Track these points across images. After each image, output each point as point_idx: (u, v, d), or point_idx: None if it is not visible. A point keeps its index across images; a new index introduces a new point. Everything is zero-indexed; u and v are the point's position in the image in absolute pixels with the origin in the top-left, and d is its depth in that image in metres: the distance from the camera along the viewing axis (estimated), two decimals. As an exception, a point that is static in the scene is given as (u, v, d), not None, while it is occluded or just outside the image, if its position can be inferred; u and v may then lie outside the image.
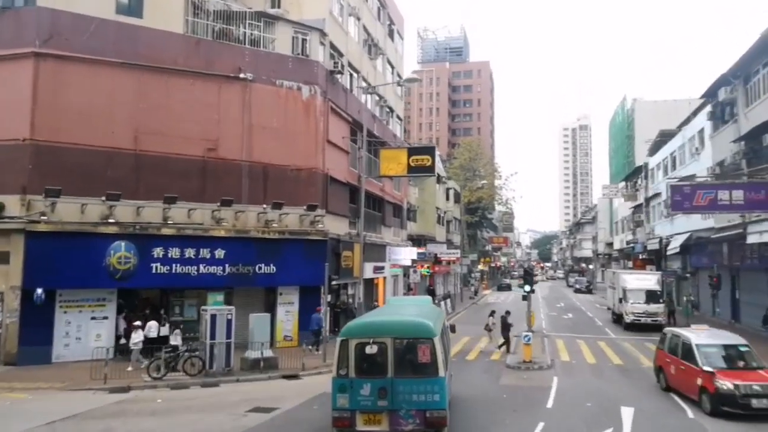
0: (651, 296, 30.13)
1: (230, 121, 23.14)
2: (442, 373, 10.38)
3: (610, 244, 74.83)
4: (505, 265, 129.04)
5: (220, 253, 22.11)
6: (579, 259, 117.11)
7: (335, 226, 26.76)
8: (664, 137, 46.72)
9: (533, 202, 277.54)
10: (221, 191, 22.36)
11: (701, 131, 33.76)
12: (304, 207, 24.21)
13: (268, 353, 18.80)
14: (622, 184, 57.10)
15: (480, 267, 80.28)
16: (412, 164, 27.12)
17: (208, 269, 21.93)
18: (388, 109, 38.46)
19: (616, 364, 21.27)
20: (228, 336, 17.92)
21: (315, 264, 22.16)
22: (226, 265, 22.19)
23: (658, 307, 29.70)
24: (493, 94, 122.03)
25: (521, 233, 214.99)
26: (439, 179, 49.70)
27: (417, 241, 43.87)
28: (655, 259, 47.04)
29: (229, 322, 17.95)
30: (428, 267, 43.21)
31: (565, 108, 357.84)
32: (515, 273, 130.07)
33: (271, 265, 23.14)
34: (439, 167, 49.33)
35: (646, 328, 29.06)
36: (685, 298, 33.70)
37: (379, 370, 10.36)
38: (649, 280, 31.19)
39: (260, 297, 23.89)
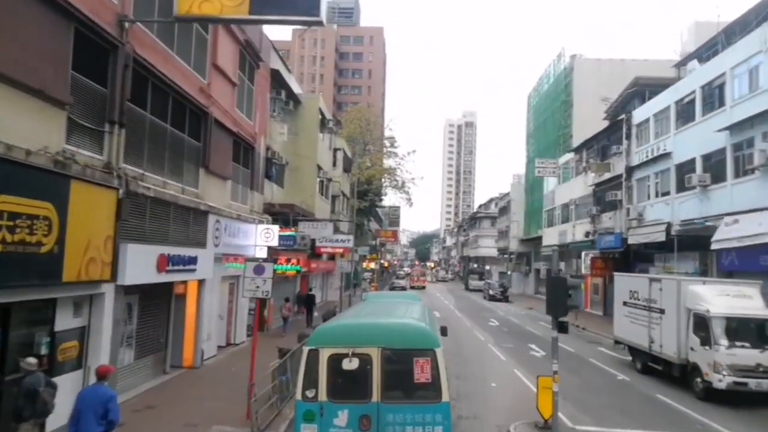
0: (763, 332, 14.52)
1: None
2: (446, 396, 7.65)
3: (530, 240, 61.23)
4: (391, 263, 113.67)
5: None
6: (470, 258, 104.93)
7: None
8: (645, 86, 32.53)
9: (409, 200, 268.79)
10: None
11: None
12: None
13: None
14: (568, 156, 42.62)
15: (369, 265, 63.26)
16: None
17: None
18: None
19: None
20: None
21: None
22: None
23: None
24: (385, 67, 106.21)
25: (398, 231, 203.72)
26: (324, 123, 31.69)
27: (280, 216, 25.56)
28: (621, 256, 32.70)
29: None
30: (297, 262, 25.01)
31: (452, 105, 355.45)
32: (401, 272, 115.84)
33: None
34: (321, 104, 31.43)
35: (759, 401, 13.63)
36: None
37: (361, 391, 7.68)
38: (751, 298, 15.35)
39: None
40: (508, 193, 68.26)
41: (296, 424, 7.84)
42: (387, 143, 64.54)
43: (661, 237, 26.24)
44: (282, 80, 26.52)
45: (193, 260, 15.51)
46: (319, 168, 30.53)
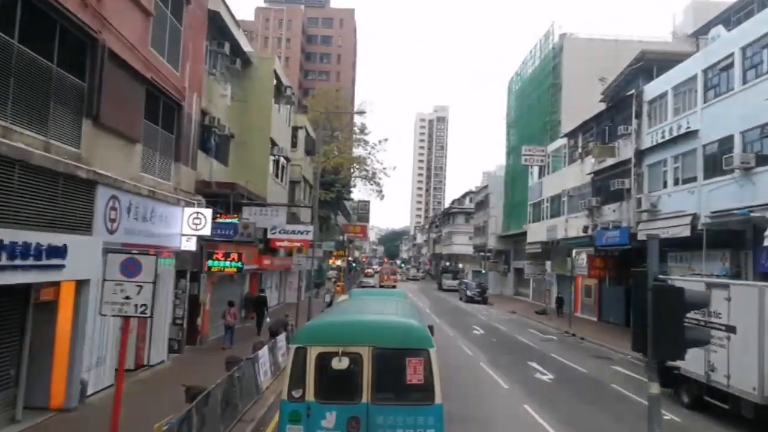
0: None
1: None
2: (439, 398, 7.30)
3: (509, 237, 56.87)
4: (359, 261, 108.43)
5: None
6: (442, 256, 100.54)
7: None
8: (654, 61, 28.30)
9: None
10: None
11: None
12: None
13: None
14: (558, 143, 38.18)
15: (335, 262, 58.14)
16: None
17: None
18: None
19: None
20: None
21: None
22: None
23: None
24: (356, 53, 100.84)
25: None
26: (281, 90, 26.30)
27: (221, 199, 20.23)
28: (622, 255, 28.47)
29: None
30: (239, 257, 19.53)
31: (424, 98, 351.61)
32: (370, 270, 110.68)
33: None
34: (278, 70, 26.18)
35: None
36: None
37: (351, 392, 7.32)
38: None
39: None
40: (486, 186, 63.80)
41: (281, 425, 7.48)
42: (357, 130, 59.45)
43: (685, 231, 21.82)
44: (226, 30, 21.16)
45: (57, 251, 10.20)
46: (274, 144, 25.19)
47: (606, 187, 29.34)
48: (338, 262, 65.14)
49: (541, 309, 38.91)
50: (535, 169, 43.22)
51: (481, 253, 69.29)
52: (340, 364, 7.36)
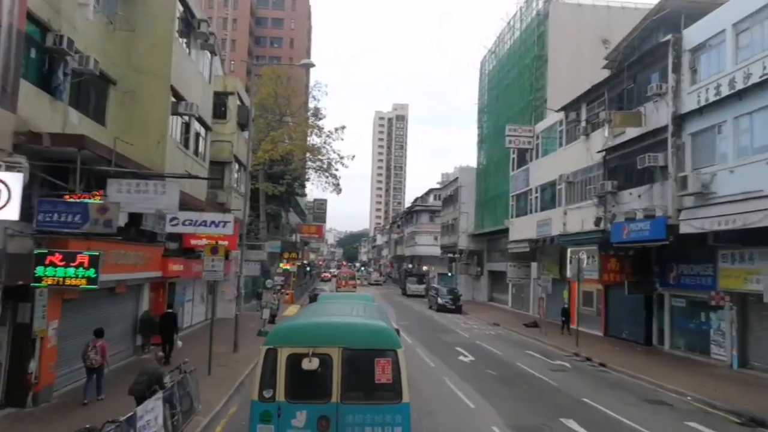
0: None
1: None
2: (406, 397, 7.57)
3: (482, 236, 50.26)
4: (314, 264, 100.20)
5: None
6: (405, 258, 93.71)
7: None
8: (681, 10, 22.04)
9: (336, 197, 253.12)
10: None
11: None
12: None
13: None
14: (550, 121, 31.52)
15: (285, 266, 50.27)
16: None
17: None
18: None
19: None
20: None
21: None
22: None
23: None
24: (310, 38, 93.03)
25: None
26: (190, 24, 18.32)
27: (70, 164, 12.45)
28: (640, 254, 22.12)
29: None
30: (89, 263, 11.72)
31: (383, 95, 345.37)
32: (327, 275, 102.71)
33: None
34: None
35: None
36: None
37: (321, 392, 7.50)
38: None
39: None
40: (455, 180, 56.94)
41: (252, 425, 7.58)
42: (310, 115, 51.90)
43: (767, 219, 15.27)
44: None
45: None
46: (179, 97, 17.44)
47: (626, 167, 22.82)
48: (288, 266, 57.38)
49: (531, 321, 32.28)
50: (521, 155, 36.62)
51: (450, 255, 62.60)
52: (310, 364, 7.45)
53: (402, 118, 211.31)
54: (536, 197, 33.08)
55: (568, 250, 29.48)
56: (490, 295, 51.61)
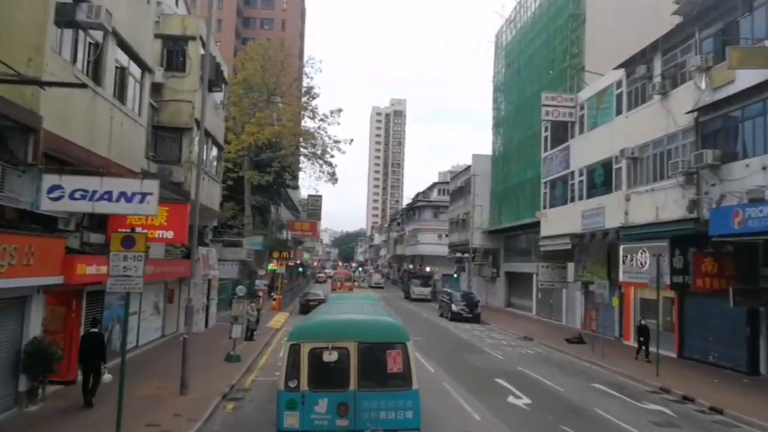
0: None
1: None
2: (416, 384, 8.54)
3: (499, 232, 43.87)
4: (307, 264, 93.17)
5: None
6: (404, 258, 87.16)
7: None
8: None
9: (332, 194, 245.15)
10: None
11: None
12: None
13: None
14: (610, 78, 24.82)
15: (274, 266, 43.46)
16: None
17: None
18: None
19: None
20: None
21: None
22: None
23: None
24: (304, 21, 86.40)
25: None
26: None
27: None
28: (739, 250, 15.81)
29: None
30: None
31: (380, 89, 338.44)
32: (322, 275, 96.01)
33: None
34: None
35: None
36: None
37: (340, 381, 8.42)
38: None
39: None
40: (467, 169, 50.28)
41: (279, 412, 8.35)
42: (303, 93, 45.31)
43: None
44: None
45: None
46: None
47: (732, 131, 16.39)
48: (277, 266, 50.82)
49: (574, 335, 25.90)
50: (555, 133, 30.21)
51: (459, 254, 56.14)
52: (330, 357, 8.35)
53: (400, 114, 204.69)
54: (580, 181, 26.63)
55: (621, 248, 23.15)
56: (508, 300, 45.21)
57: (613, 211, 23.49)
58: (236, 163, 42.12)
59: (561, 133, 29.56)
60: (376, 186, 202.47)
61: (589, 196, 25.75)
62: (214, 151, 24.00)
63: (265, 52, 43.65)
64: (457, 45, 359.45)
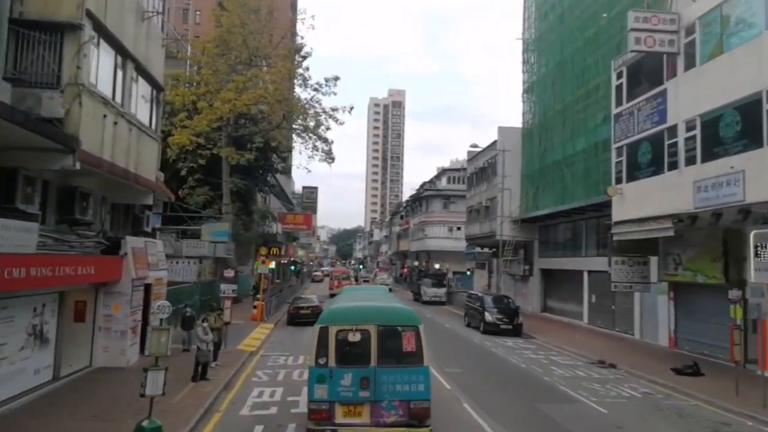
0: None
1: None
2: (426, 362, 9.67)
3: (532, 221, 35.70)
4: (301, 261, 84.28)
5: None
6: (408, 254, 78.77)
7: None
8: None
9: (329, 193, 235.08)
10: None
11: None
12: None
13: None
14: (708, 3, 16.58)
15: (261, 264, 34.51)
16: None
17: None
18: None
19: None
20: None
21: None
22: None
23: None
24: (296, -7, 77.61)
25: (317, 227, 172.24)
26: None
27: None
28: None
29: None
30: None
31: (378, 81, 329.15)
32: (318, 273, 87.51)
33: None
34: None
35: None
36: None
37: (362, 359, 9.49)
38: None
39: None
40: (492, 145, 41.57)
41: (310, 385, 9.49)
42: (293, 51, 36.76)
43: None
44: None
45: None
46: None
47: None
48: (272, 264, 42.49)
49: (688, 365, 17.71)
50: (633, 77, 21.92)
51: (478, 249, 47.85)
52: (354, 337, 9.46)
53: (399, 105, 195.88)
54: (690, 138, 18.30)
55: (751, 234, 15.01)
56: (544, 304, 37.01)
57: (757, 177, 15.27)
58: (210, 139, 33.90)
59: (644, 76, 21.30)
60: (375, 180, 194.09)
61: (709, 158, 17.43)
62: (146, 89, 15.60)
63: (246, 2, 35.28)
64: (454, 45, 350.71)
